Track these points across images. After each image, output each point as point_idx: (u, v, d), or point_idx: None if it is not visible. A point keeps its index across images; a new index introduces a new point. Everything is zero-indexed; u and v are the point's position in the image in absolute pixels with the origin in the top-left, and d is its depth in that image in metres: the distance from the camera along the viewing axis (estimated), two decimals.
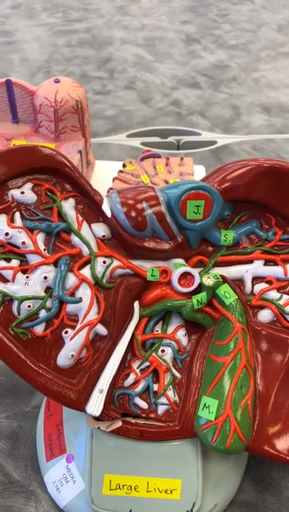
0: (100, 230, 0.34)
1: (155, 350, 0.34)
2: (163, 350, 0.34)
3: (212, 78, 0.89)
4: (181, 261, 0.35)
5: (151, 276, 0.34)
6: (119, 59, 0.95)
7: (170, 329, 0.35)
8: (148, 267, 0.35)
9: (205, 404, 0.33)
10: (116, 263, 0.34)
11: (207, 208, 0.34)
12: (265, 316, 0.35)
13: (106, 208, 0.34)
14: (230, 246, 0.36)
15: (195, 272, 0.34)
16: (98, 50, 0.99)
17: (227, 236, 0.36)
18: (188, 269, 0.34)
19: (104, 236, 0.34)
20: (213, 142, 0.72)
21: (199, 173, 0.63)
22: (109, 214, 0.34)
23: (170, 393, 0.34)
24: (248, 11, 1.19)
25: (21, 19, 1.11)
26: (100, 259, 0.34)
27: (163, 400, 0.34)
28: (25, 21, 1.09)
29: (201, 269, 0.36)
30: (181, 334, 0.35)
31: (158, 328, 0.35)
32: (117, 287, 0.34)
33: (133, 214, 0.33)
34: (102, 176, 0.61)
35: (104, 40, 1.03)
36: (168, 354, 0.34)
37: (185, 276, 0.34)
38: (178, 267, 0.34)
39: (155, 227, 0.34)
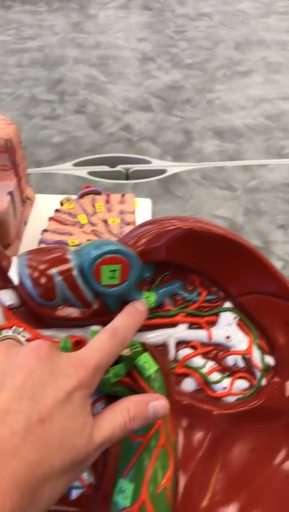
0: (7, 297, 0.32)
1: None
2: None
3: (165, 100, 0.87)
4: (98, 328, 0.33)
5: (63, 348, 0.32)
6: (70, 80, 0.93)
7: None
8: (62, 337, 0.32)
9: (121, 488, 0.30)
10: (25, 335, 0.32)
11: (124, 272, 0.32)
12: (188, 384, 0.33)
13: (13, 273, 0.32)
14: (153, 309, 0.34)
15: None
16: (50, 71, 0.96)
17: (149, 298, 0.34)
18: None
19: (11, 305, 0.32)
20: (163, 171, 0.70)
21: (145, 207, 0.60)
22: (16, 281, 0.31)
23: (84, 475, 0.31)
24: (205, 27, 1.18)
25: None
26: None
27: (76, 483, 0.31)
28: None
29: None
30: (98, 409, 0.32)
31: None
32: None
33: (42, 281, 0.31)
34: (43, 212, 0.59)
35: (57, 59, 1.00)
36: None
37: None
38: (94, 336, 0.32)
39: (66, 295, 0.31)
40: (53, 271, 0.31)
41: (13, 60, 0.99)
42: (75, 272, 0.31)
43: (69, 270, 0.31)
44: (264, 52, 1.06)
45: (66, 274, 0.31)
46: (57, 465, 0.23)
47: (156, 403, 0.29)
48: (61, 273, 0.31)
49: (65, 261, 0.31)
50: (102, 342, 0.29)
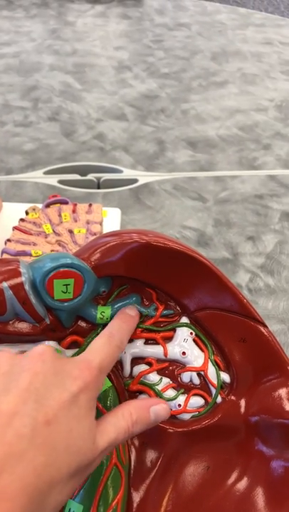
0: None
1: None
2: None
3: (140, 109, 0.87)
4: (51, 344, 0.32)
5: None
6: (45, 87, 0.92)
7: None
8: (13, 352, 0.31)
9: (69, 510, 0.29)
10: None
11: (77, 286, 0.31)
12: None
13: None
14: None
15: None
16: (24, 77, 0.95)
17: (104, 313, 0.33)
18: None
19: None
20: (135, 180, 0.70)
21: (114, 217, 0.60)
22: None
23: None
24: (183, 37, 1.18)
25: None
26: None
27: None
28: None
29: (76, 350, 0.33)
30: None
31: None
32: None
33: None
34: (9, 221, 0.58)
35: (32, 66, 0.99)
36: None
37: None
38: None
39: (17, 309, 0.30)
40: (4, 285, 0.30)
41: None
42: (26, 286, 0.30)
43: (20, 284, 0.30)
44: (240, 63, 1.07)
45: (17, 288, 0.30)
46: (64, 469, 0.23)
47: (158, 407, 0.29)
48: (12, 287, 0.30)
49: (17, 274, 0.30)
50: (101, 345, 0.29)
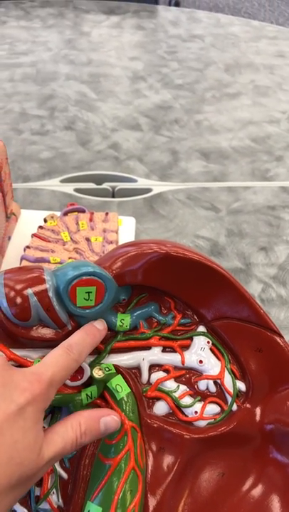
0: None
1: None
2: None
3: (154, 120, 0.89)
4: None
5: None
6: (61, 96, 0.94)
7: None
8: (35, 358, 0.32)
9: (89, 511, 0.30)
10: None
11: (99, 294, 0.32)
12: (160, 408, 0.33)
13: None
14: (128, 331, 0.34)
15: (84, 364, 0.32)
16: (41, 86, 0.97)
17: (124, 321, 0.34)
18: None
19: None
20: (149, 190, 0.71)
21: (129, 226, 0.61)
22: None
23: (53, 497, 0.31)
24: (197, 48, 1.20)
25: None
26: None
27: (45, 505, 0.31)
28: None
29: (95, 357, 0.34)
30: None
31: (45, 425, 0.32)
32: None
33: (17, 301, 0.31)
34: (27, 228, 0.59)
35: (49, 75, 1.01)
36: None
37: None
38: None
39: (41, 316, 0.32)
40: (29, 291, 0.31)
41: (5, 75, 1.00)
42: (50, 293, 0.31)
43: (45, 291, 0.31)
44: (253, 75, 1.08)
45: (41, 295, 0.31)
46: (4, 480, 0.23)
47: (108, 419, 0.29)
48: (37, 294, 0.31)
49: (41, 281, 0.31)
50: (56, 357, 0.29)
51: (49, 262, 0.50)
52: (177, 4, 3.50)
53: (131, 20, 1.34)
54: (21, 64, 1.05)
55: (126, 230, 0.61)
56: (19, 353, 0.32)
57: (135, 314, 0.34)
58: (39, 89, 0.96)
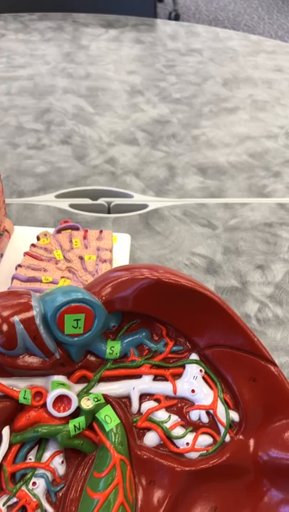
0: None
1: (25, 483, 0.31)
2: (34, 483, 0.31)
3: (151, 134, 0.88)
4: (60, 378, 0.32)
5: (24, 398, 0.31)
6: (58, 110, 0.94)
7: (46, 456, 0.31)
8: (22, 387, 0.31)
9: None
10: None
11: (88, 321, 0.31)
12: (151, 439, 0.32)
13: None
14: (118, 359, 0.33)
15: (72, 394, 0.31)
16: (38, 100, 0.96)
17: (114, 348, 0.33)
18: (64, 391, 0.31)
19: None
20: (145, 206, 0.71)
21: (123, 244, 0.60)
22: None
23: None
24: (195, 62, 1.20)
25: None
26: None
27: None
28: None
29: (84, 385, 0.33)
30: (58, 462, 0.31)
31: (31, 456, 0.31)
32: None
33: (3, 329, 0.30)
34: (20, 245, 0.58)
35: (46, 89, 1.01)
36: (40, 487, 0.31)
37: (61, 398, 0.31)
38: (55, 387, 0.31)
39: (28, 344, 0.31)
40: (15, 319, 0.30)
41: (2, 88, 1.00)
42: (37, 320, 0.30)
43: (32, 318, 0.30)
44: (251, 89, 1.08)
45: (28, 323, 0.30)
46: None
47: None
48: (23, 321, 0.30)
49: (28, 308, 0.31)
50: None
51: (41, 281, 0.49)
52: (177, 17, 3.52)
53: (130, 34, 1.34)
54: (19, 77, 1.05)
55: (121, 247, 0.60)
56: (5, 382, 0.31)
57: (125, 341, 0.33)
58: (36, 103, 0.96)
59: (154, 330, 0.34)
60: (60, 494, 0.31)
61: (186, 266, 0.61)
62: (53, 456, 0.31)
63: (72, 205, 0.70)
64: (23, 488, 0.30)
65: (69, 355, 0.32)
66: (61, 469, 0.31)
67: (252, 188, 0.76)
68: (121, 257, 0.59)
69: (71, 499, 0.30)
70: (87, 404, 0.31)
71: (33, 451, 0.31)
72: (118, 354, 0.33)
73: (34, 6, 1.43)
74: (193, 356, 0.33)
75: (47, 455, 0.31)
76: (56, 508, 0.31)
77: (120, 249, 0.60)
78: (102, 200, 0.71)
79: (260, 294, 0.57)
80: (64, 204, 0.70)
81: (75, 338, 0.31)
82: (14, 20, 1.35)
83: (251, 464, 0.32)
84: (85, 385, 0.33)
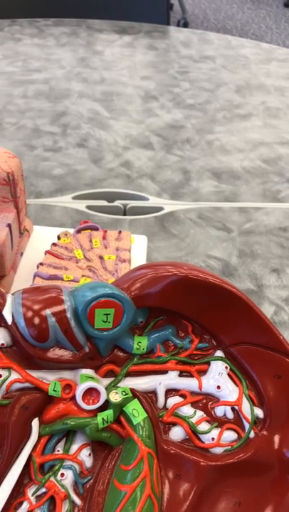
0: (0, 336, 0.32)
1: (54, 474, 0.31)
2: (62, 474, 0.31)
3: (166, 139, 0.89)
4: (89, 372, 0.33)
5: (53, 391, 0.31)
6: (74, 113, 0.95)
7: (73, 448, 0.32)
8: (51, 380, 0.32)
9: None
10: (14, 376, 0.31)
11: (117, 316, 0.32)
12: (176, 434, 0.33)
13: (7, 312, 0.31)
14: (144, 354, 0.34)
15: (101, 387, 0.31)
16: (54, 103, 0.98)
17: (141, 343, 0.34)
18: (93, 384, 0.31)
19: (3, 344, 0.32)
20: (160, 208, 0.71)
21: (141, 244, 0.61)
22: (9, 320, 0.31)
23: None
24: (208, 69, 1.21)
25: None
26: None
27: None
28: None
29: (111, 380, 0.33)
30: (85, 454, 0.32)
31: (60, 448, 0.32)
32: (13, 404, 0.31)
33: (35, 322, 0.31)
34: (40, 244, 0.59)
35: (62, 92, 1.02)
36: (68, 478, 0.31)
37: (90, 391, 0.32)
38: (84, 380, 0.32)
39: (59, 337, 0.31)
40: (48, 312, 0.31)
41: (18, 91, 1.01)
42: (68, 314, 0.31)
43: (63, 312, 0.31)
44: (264, 97, 1.09)
45: (60, 316, 0.31)
46: None
47: None
48: (55, 314, 0.31)
49: (60, 302, 0.31)
50: None
51: (62, 279, 0.50)
52: (186, 25, 3.55)
53: (143, 40, 1.36)
54: (34, 81, 1.06)
55: (138, 248, 0.61)
56: (35, 374, 0.32)
57: (152, 337, 0.34)
58: (52, 106, 0.97)
59: (180, 327, 0.34)
60: (88, 486, 0.31)
61: (214, 273, 0.62)
62: (80, 449, 0.32)
63: (89, 207, 0.70)
64: (52, 479, 0.31)
65: (97, 349, 0.32)
66: (88, 462, 0.32)
67: (266, 193, 0.77)
68: (138, 258, 0.59)
69: (98, 491, 0.31)
70: (115, 397, 0.31)
71: (61, 444, 0.32)
72: (145, 349, 0.33)
73: (49, 11, 1.45)
74: (219, 353, 0.34)
75: (74, 447, 0.32)
76: (84, 499, 0.31)
77: (137, 250, 0.60)
78: (118, 203, 0.72)
79: (276, 297, 0.58)
80: (81, 205, 0.70)
81: (105, 333, 0.32)
82: (30, 26, 1.37)
83: (276, 460, 0.32)
84: (111, 379, 0.33)
